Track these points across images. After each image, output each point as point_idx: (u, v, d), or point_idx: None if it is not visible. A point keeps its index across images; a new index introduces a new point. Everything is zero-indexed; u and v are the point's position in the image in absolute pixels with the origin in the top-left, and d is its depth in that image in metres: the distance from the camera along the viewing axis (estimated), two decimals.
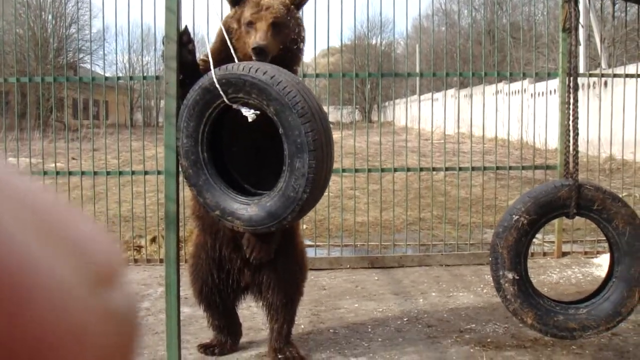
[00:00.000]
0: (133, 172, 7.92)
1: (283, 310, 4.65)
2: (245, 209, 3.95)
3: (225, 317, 4.85)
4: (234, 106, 3.86)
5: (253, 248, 4.31)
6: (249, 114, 3.80)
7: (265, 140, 4.07)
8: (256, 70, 3.73)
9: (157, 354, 4.84)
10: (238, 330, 4.99)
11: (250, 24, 4.08)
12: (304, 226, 8.38)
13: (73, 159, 11.78)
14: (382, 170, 8.19)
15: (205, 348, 4.84)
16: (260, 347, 4.97)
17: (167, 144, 4.12)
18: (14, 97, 8.29)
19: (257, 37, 3.99)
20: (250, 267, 4.53)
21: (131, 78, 8.83)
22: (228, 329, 4.88)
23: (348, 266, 7.65)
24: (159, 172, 7.71)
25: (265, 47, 3.93)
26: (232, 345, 4.90)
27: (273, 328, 4.72)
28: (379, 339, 5.16)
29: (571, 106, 4.86)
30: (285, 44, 4.16)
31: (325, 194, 7.92)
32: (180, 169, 4.14)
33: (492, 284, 4.79)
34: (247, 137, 4.15)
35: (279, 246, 4.46)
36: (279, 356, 4.66)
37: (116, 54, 11.83)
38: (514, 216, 4.60)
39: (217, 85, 3.82)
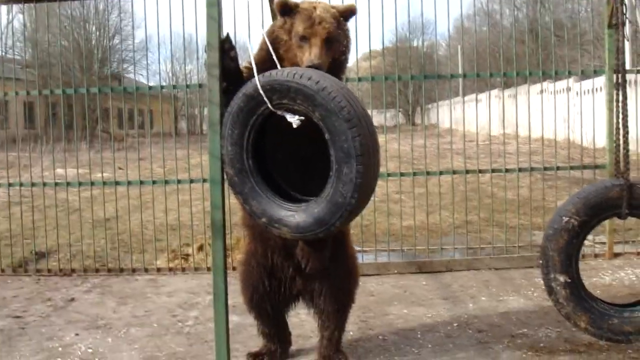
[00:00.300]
0: (179, 181, 7.97)
1: (334, 317, 4.62)
2: (293, 215, 3.92)
3: (275, 324, 4.83)
4: (279, 112, 3.84)
5: (308, 258, 4.30)
6: (294, 120, 3.78)
7: (311, 146, 4.03)
8: (301, 76, 3.71)
9: None
10: (287, 338, 4.97)
11: (304, 38, 4.06)
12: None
13: (120, 168, 11.88)
14: (428, 173, 8.11)
15: (254, 356, 4.83)
16: (309, 355, 4.94)
17: (212, 152, 4.12)
18: (60, 109, 8.37)
19: (312, 55, 3.97)
20: (302, 274, 4.51)
21: (174, 87, 8.89)
22: (278, 337, 4.86)
23: (396, 271, 7.58)
24: (204, 180, 7.75)
25: (320, 66, 3.92)
26: (281, 354, 4.87)
27: (323, 335, 4.68)
28: (429, 345, 5.10)
29: (620, 103, 4.76)
30: (334, 56, 4.15)
31: (372, 198, 7.88)
32: (225, 177, 4.13)
33: (543, 287, 4.71)
34: (292, 144, 4.13)
35: (331, 253, 4.45)
36: None
37: (159, 63, 11.93)
38: (564, 218, 4.51)
39: (262, 92, 3.80)
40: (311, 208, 3.86)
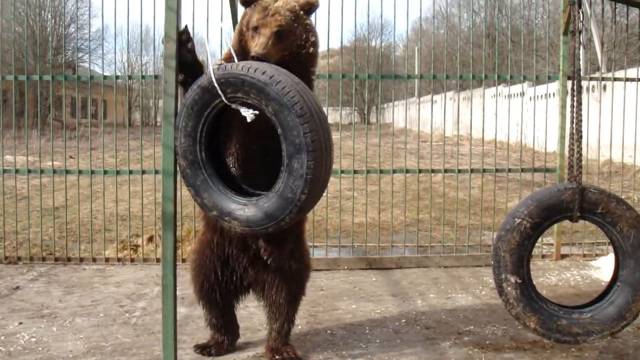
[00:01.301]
0: (131, 172, 7.88)
1: (285, 309, 4.62)
2: (243, 209, 3.90)
3: (224, 315, 4.80)
4: (233, 106, 3.82)
5: (271, 252, 4.30)
6: (248, 114, 3.76)
7: (265, 140, 4.02)
8: (255, 70, 3.70)
9: (153, 354, 4.80)
10: (235, 330, 4.94)
11: (256, 29, 4.06)
12: None
13: (70, 157, 11.71)
14: (381, 171, 8.16)
15: (202, 348, 4.80)
16: (257, 348, 4.92)
17: (165, 144, 4.08)
18: (12, 95, 8.21)
19: (257, 46, 3.97)
20: (256, 265, 4.51)
21: (130, 77, 8.77)
22: (225, 328, 4.83)
23: (346, 267, 7.61)
24: (156, 172, 7.69)
25: (263, 57, 3.89)
26: (228, 345, 4.85)
27: (273, 328, 4.68)
28: (377, 341, 5.12)
29: (575, 108, 4.83)
30: (291, 50, 4.12)
31: (324, 194, 7.88)
32: (178, 169, 4.09)
33: (491, 286, 4.77)
34: (247, 138, 4.11)
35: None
36: (277, 357, 4.61)
37: (115, 53, 11.76)
38: (516, 219, 4.56)
39: (216, 85, 3.78)
40: (261, 202, 3.85)
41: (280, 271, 4.54)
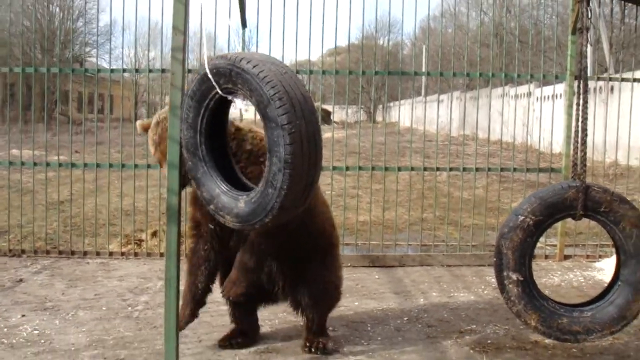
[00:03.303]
0: (136, 166, 7.89)
1: (315, 301, 4.74)
2: (235, 204, 3.85)
3: (249, 311, 4.95)
4: (229, 97, 3.81)
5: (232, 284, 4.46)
6: (243, 105, 3.74)
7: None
8: (241, 60, 3.64)
9: (154, 347, 4.81)
10: (257, 325, 5.07)
11: None
12: None
13: (76, 152, 11.74)
14: (386, 169, 8.14)
15: (227, 340, 4.88)
16: (273, 341, 4.95)
17: (171, 136, 4.08)
18: (19, 89, 8.21)
19: None
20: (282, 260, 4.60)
21: (137, 70, 8.76)
22: (249, 324, 4.98)
23: (349, 264, 7.60)
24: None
25: None
26: (252, 337, 4.97)
27: (305, 318, 4.81)
28: (379, 338, 5.12)
29: (581, 107, 4.82)
30: None
31: (328, 192, 7.88)
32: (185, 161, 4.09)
33: (494, 285, 4.75)
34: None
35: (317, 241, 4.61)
36: (307, 345, 4.74)
37: (122, 48, 11.79)
38: (519, 216, 4.56)
39: (210, 76, 3.76)
40: (251, 197, 3.76)
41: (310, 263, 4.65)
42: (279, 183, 3.57)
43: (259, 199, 3.70)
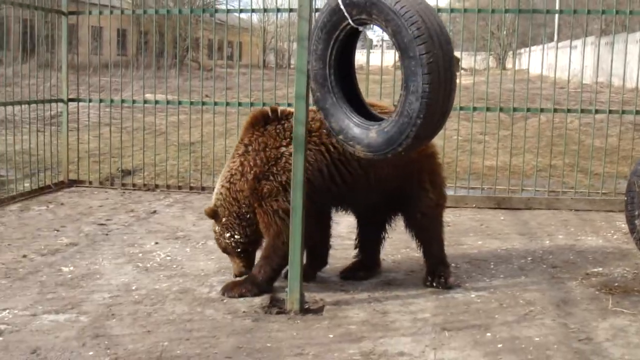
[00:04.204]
0: (264, 104, 8.05)
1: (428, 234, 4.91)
2: (366, 134, 3.89)
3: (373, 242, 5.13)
4: (360, 28, 3.82)
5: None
6: (373, 37, 3.74)
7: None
8: None
9: None
10: (378, 259, 5.19)
11: None
12: None
13: (206, 96, 12.07)
14: (514, 110, 7.95)
15: (349, 271, 5.04)
16: (395, 274, 5.02)
17: (299, 67, 4.15)
18: (152, 36, 8.51)
19: None
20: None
21: (265, 10, 8.84)
22: (372, 256, 5.12)
23: (474, 205, 7.54)
24: (289, 105, 7.82)
25: None
26: (373, 271, 5.08)
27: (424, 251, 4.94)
28: (501, 276, 5.09)
29: None
30: None
31: (454, 137, 7.81)
32: (311, 93, 4.14)
33: (624, 230, 4.60)
34: None
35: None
36: (428, 278, 4.83)
37: None
38: None
39: (342, 7, 3.76)
40: (383, 127, 3.81)
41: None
42: (415, 112, 3.61)
43: (392, 129, 3.74)
